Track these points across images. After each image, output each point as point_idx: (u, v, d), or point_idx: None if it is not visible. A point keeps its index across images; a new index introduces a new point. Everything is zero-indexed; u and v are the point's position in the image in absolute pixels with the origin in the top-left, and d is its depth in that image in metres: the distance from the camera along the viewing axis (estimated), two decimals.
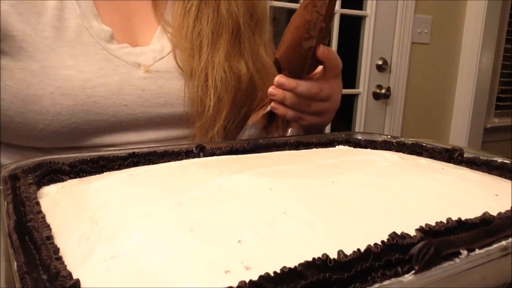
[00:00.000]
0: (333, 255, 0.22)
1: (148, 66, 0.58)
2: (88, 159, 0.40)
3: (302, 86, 0.56)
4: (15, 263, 0.23)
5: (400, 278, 0.22)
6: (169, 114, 0.59)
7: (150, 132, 0.59)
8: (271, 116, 0.62)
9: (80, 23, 0.55)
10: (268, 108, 0.60)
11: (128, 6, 0.61)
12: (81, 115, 0.54)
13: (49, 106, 0.52)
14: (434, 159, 0.48)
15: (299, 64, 0.56)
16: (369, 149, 0.54)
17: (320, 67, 0.60)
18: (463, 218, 0.27)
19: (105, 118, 0.55)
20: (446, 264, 0.24)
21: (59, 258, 0.23)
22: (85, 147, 0.56)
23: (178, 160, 0.44)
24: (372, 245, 0.23)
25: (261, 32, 0.67)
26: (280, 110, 0.59)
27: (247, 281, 0.20)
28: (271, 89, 0.58)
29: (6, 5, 0.52)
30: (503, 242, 0.26)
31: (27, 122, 0.53)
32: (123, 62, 0.57)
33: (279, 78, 0.57)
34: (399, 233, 0.25)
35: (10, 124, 0.53)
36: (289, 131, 0.61)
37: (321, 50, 0.56)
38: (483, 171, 0.43)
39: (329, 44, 1.81)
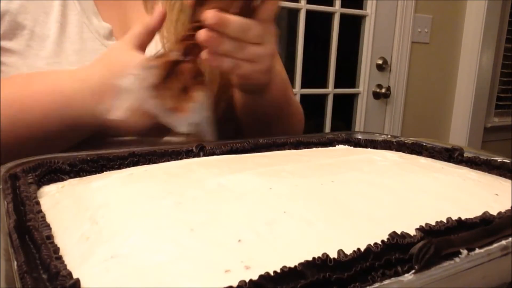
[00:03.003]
0: (333, 254, 0.22)
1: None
2: (88, 158, 0.40)
3: (236, 22, 0.46)
4: (15, 263, 0.23)
5: (400, 278, 0.22)
6: None
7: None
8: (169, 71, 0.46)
9: (80, 19, 0.57)
10: (174, 55, 0.45)
11: (125, 2, 0.62)
12: None
13: None
14: (434, 158, 0.48)
15: None
16: (369, 149, 0.54)
17: None
18: (463, 218, 0.27)
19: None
20: (446, 264, 0.24)
21: (59, 258, 0.23)
22: (92, 144, 0.57)
23: (178, 159, 0.44)
24: (372, 244, 0.23)
25: None
26: (216, 60, 0.47)
27: (247, 280, 0.20)
28: (204, 32, 0.45)
29: (16, 5, 0.54)
30: (503, 242, 0.26)
31: None
32: None
33: (212, 13, 0.44)
34: (399, 232, 0.25)
35: None
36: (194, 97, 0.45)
37: None
38: (483, 171, 0.43)
39: (328, 43, 1.82)
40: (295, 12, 1.70)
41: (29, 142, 0.49)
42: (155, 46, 0.61)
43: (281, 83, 0.63)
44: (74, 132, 0.50)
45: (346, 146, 0.54)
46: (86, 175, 0.39)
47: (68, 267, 0.22)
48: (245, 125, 0.66)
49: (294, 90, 1.71)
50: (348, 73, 1.88)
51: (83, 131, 0.50)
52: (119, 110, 0.44)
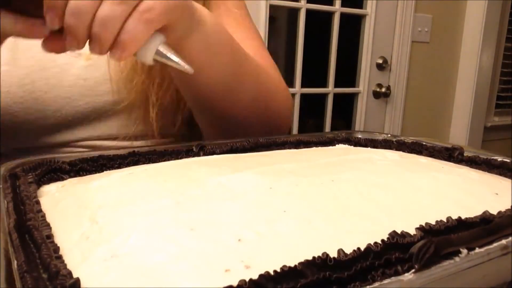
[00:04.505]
0: (333, 254, 0.22)
1: (89, 53, 0.47)
2: (88, 157, 0.40)
3: None
4: (15, 262, 0.23)
5: (400, 277, 0.22)
6: (115, 102, 0.55)
7: (101, 125, 0.55)
8: None
9: None
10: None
11: None
12: (22, 114, 0.51)
13: None
14: (434, 158, 0.48)
15: None
16: (369, 148, 0.54)
17: None
18: (463, 217, 0.27)
19: (48, 114, 0.52)
20: (446, 263, 0.24)
21: (59, 257, 0.23)
22: (40, 147, 0.53)
23: (178, 159, 0.44)
24: (372, 244, 0.23)
25: None
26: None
27: (247, 280, 0.20)
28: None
29: None
30: (503, 241, 0.26)
31: None
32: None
33: None
34: (399, 232, 0.25)
35: None
36: None
37: None
38: (483, 170, 0.43)
39: (328, 43, 1.81)
40: (295, 12, 1.70)
41: None
42: None
43: (221, 39, 0.48)
44: None
45: (346, 146, 0.54)
46: (86, 175, 0.39)
47: (68, 267, 0.22)
48: (198, 117, 0.56)
49: (294, 89, 1.71)
50: (348, 72, 1.88)
51: None
52: None
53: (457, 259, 0.24)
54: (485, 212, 0.28)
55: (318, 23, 1.77)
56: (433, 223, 0.26)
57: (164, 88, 0.55)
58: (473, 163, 0.45)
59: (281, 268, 0.21)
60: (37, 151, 0.52)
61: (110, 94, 0.54)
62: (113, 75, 0.54)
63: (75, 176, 0.39)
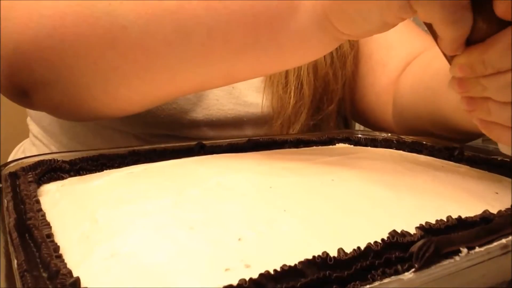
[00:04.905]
0: (333, 253, 0.22)
1: None
2: (88, 157, 0.40)
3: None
4: (15, 261, 0.23)
5: (400, 276, 0.22)
6: (254, 114, 0.60)
7: (235, 131, 0.60)
8: None
9: None
10: None
11: None
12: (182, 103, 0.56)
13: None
14: (434, 157, 0.48)
15: None
16: (369, 147, 0.54)
17: None
18: (463, 216, 0.27)
19: (198, 109, 0.57)
20: (446, 262, 0.24)
21: (59, 256, 0.23)
22: (180, 137, 0.58)
23: (178, 158, 0.44)
24: (372, 243, 0.23)
25: None
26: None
27: (247, 279, 0.20)
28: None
29: None
30: (503, 240, 0.26)
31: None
32: None
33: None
34: (399, 231, 0.25)
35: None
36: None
37: None
38: (483, 169, 0.43)
39: None
40: None
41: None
42: None
43: None
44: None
45: (346, 145, 0.54)
46: (86, 174, 0.39)
47: (68, 266, 0.22)
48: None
49: None
50: None
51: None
52: None
53: (457, 258, 0.24)
54: (485, 211, 0.28)
55: None
56: (433, 222, 0.26)
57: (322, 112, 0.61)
58: (473, 162, 0.45)
59: (281, 267, 0.21)
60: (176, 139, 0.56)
61: (250, 106, 0.59)
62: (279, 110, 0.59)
63: (75, 175, 0.39)
